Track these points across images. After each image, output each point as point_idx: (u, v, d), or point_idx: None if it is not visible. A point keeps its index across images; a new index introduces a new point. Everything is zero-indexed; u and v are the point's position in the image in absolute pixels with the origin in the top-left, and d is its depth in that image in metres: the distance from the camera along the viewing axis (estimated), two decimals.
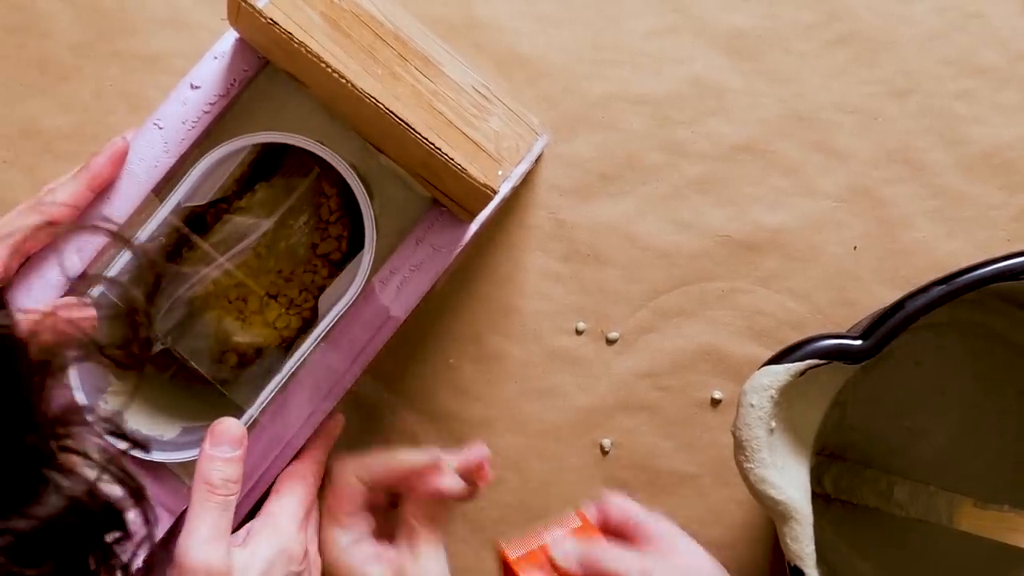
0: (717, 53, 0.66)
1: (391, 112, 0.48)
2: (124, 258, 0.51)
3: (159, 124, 0.53)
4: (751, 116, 0.66)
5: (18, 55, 0.66)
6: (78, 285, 0.53)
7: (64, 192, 0.53)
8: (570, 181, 0.66)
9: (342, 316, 0.52)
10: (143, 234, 0.51)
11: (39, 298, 0.52)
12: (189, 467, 0.54)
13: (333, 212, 0.55)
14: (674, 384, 0.65)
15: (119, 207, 0.52)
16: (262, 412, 0.52)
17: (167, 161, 0.52)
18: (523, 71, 0.66)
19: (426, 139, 0.48)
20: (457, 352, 0.65)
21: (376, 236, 0.52)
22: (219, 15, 0.66)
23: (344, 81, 0.48)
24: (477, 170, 0.50)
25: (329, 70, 0.48)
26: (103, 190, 0.53)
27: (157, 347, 0.55)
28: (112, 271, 0.51)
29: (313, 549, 0.53)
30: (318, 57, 0.48)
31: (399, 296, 0.53)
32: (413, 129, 0.48)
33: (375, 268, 0.52)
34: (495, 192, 0.50)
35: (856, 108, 0.66)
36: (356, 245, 0.56)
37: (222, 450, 0.50)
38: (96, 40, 0.66)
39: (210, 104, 0.52)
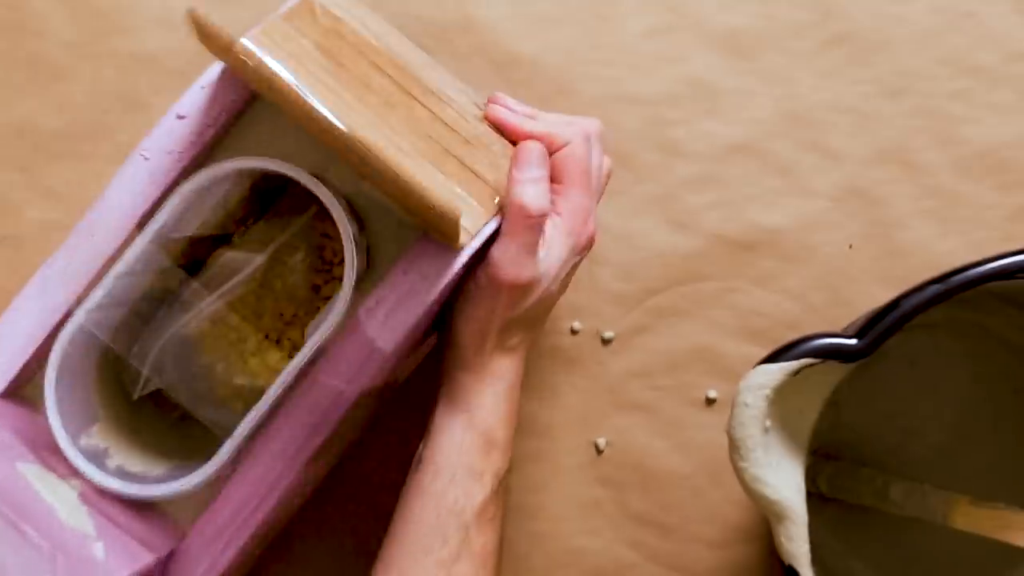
0: (712, 53, 0.66)
1: (355, 137, 0.45)
2: (101, 291, 0.49)
3: (145, 155, 0.51)
4: (746, 116, 0.66)
5: (12, 54, 0.66)
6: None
7: None
8: None
9: (326, 349, 0.50)
10: (121, 265, 0.49)
11: (32, 328, 0.51)
12: (180, 508, 0.52)
13: (337, 254, 0.54)
14: (669, 384, 0.65)
15: (103, 240, 0.51)
16: (248, 447, 0.50)
17: (153, 192, 0.51)
18: (518, 71, 0.66)
19: (383, 161, 0.45)
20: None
21: (368, 265, 0.50)
22: (213, 15, 0.66)
23: (301, 103, 0.45)
24: (438, 193, 0.47)
25: (288, 91, 0.45)
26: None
27: (151, 386, 0.53)
28: (92, 301, 0.49)
29: (587, 219, 0.54)
30: (272, 77, 0.45)
31: (385, 327, 0.51)
32: (370, 150, 0.45)
33: (363, 299, 0.50)
34: (457, 217, 0.47)
35: (850, 108, 0.66)
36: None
37: (529, 171, 0.51)
38: (90, 39, 0.66)
39: (197, 134, 0.51)
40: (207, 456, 0.54)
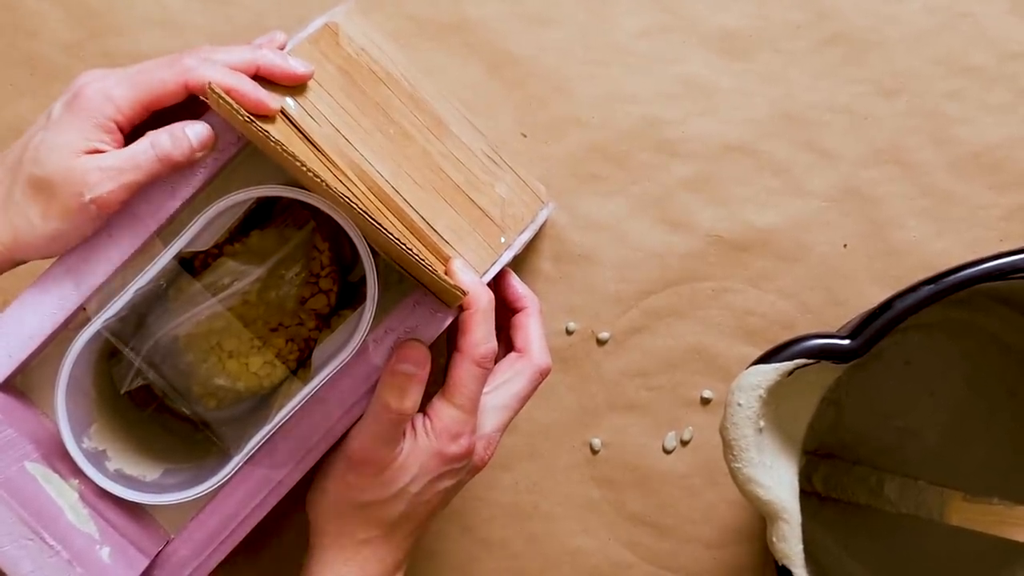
0: (707, 53, 0.66)
1: (366, 213, 0.47)
2: (125, 298, 0.50)
3: None
4: (741, 116, 0.66)
5: (7, 55, 0.66)
6: (72, 320, 0.52)
7: (226, 55, 0.50)
8: (560, 181, 0.66)
9: (334, 371, 0.51)
10: (143, 279, 0.50)
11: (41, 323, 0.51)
12: (169, 511, 0.53)
13: (325, 267, 0.54)
14: (664, 384, 0.65)
15: (121, 245, 0.51)
16: (249, 458, 0.51)
17: (173, 205, 0.51)
18: (513, 71, 0.66)
19: (398, 240, 0.47)
20: (448, 352, 0.65)
21: (377, 295, 0.50)
22: (208, 14, 0.66)
23: (318, 180, 0.46)
24: (448, 268, 0.49)
25: (294, 160, 0.46)
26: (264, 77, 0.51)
27: (138, 382, 0.54)
28: (111, 311, 0.50)
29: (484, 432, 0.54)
30: (295, 158, 0.46)
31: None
32: (384, 228, 0.47)
33: (371, 327, 0.51)
34: (464, 293, 0.49)
35: (845, 108, 0.66)
36: (343, 300, 0.56)
37: (405, 367, 0.51)
38: (86, 40, 0.66)
39: (220, 152, 0.52)
40: (194, 456, 0.54)
